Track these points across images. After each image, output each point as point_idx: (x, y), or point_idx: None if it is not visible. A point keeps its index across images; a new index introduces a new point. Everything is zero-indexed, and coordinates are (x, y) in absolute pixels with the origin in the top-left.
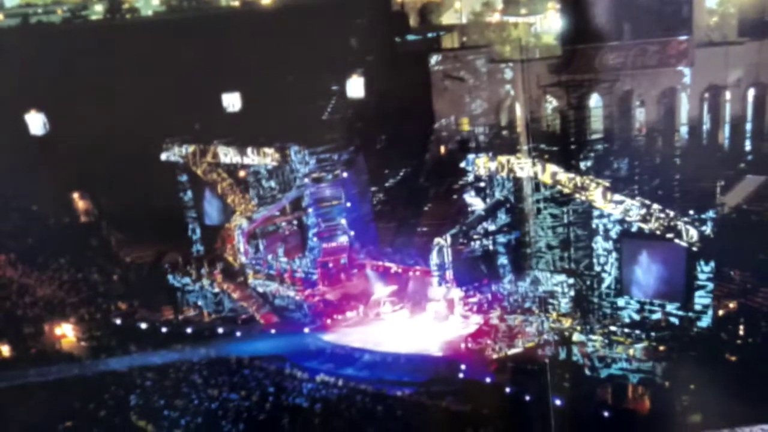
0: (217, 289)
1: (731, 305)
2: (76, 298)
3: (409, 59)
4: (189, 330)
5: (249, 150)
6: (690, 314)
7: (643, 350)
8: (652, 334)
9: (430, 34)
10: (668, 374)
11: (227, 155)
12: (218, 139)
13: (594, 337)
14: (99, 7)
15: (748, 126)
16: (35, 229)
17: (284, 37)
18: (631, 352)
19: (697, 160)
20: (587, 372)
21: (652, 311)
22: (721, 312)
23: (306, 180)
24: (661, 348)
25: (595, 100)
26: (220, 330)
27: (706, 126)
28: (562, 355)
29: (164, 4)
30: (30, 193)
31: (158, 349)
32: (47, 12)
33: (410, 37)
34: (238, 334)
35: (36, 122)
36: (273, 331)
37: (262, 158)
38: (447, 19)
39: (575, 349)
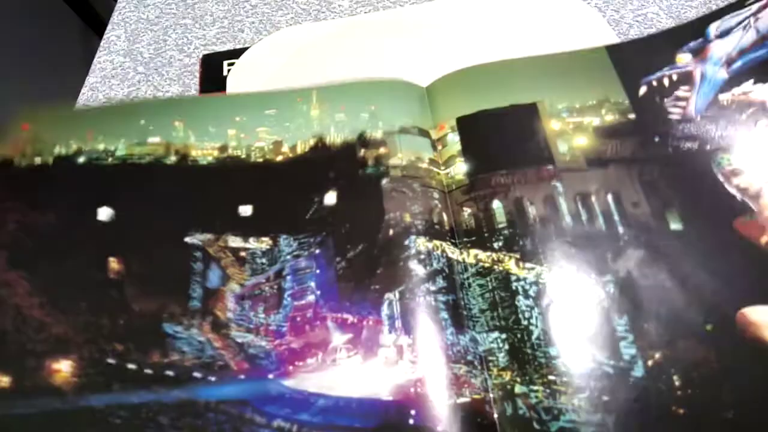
0: (202, 338)
1: (657, 356)
2: (82, 338)
3: (368, 183)
4: (170, 372)
5: (251, 239)
6: (621, 363)
7: (587, 401)
8: (592, 383)
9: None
10: (620, 427)
11: (234, 242)
12: (229, 231)
13: (535, 387)
14: None
15: None
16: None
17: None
18: (575, 402)
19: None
20: (536, 426)
21: (584, 360)
22: (650, 362)
23: (288, 257)
24: (604, 398)
25: (496, 204)
26: (197, 374)
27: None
28: (509, 410)
29: None
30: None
31: (138, 390)
32: None
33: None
34: (212, 378)
35: None
36: (242, 376)
37: (259, 244)
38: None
39: (520, 402)
